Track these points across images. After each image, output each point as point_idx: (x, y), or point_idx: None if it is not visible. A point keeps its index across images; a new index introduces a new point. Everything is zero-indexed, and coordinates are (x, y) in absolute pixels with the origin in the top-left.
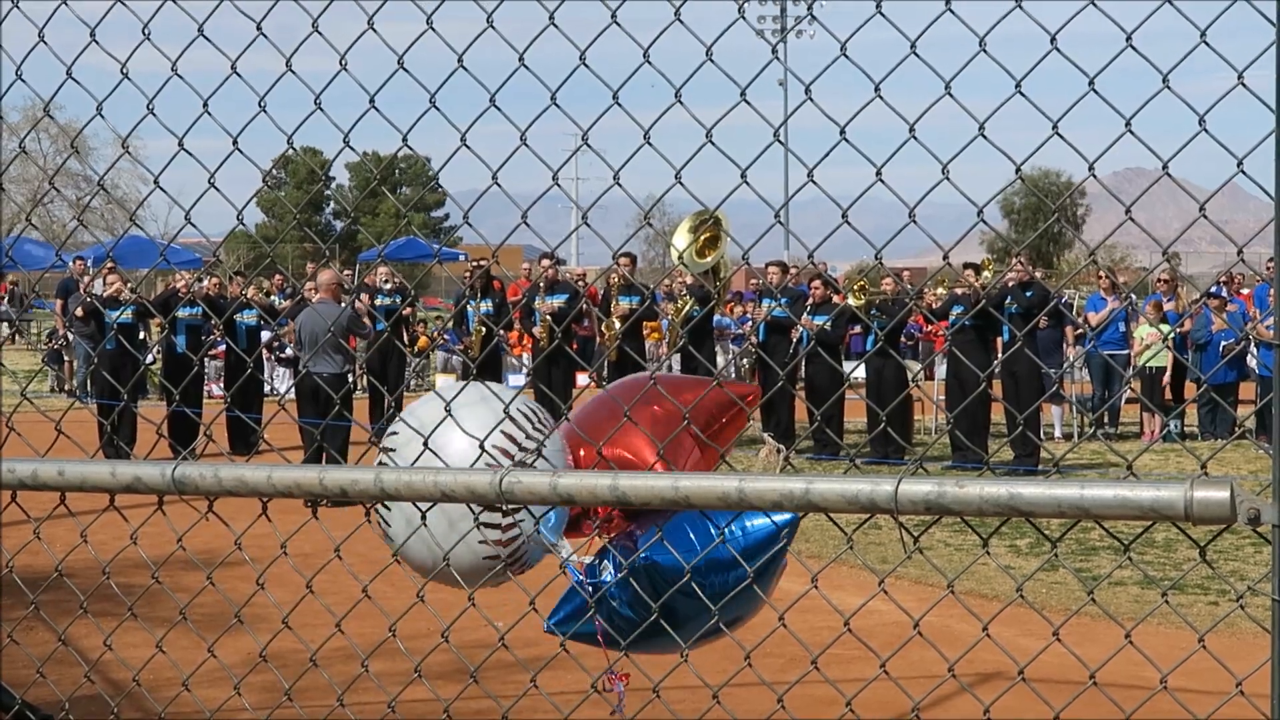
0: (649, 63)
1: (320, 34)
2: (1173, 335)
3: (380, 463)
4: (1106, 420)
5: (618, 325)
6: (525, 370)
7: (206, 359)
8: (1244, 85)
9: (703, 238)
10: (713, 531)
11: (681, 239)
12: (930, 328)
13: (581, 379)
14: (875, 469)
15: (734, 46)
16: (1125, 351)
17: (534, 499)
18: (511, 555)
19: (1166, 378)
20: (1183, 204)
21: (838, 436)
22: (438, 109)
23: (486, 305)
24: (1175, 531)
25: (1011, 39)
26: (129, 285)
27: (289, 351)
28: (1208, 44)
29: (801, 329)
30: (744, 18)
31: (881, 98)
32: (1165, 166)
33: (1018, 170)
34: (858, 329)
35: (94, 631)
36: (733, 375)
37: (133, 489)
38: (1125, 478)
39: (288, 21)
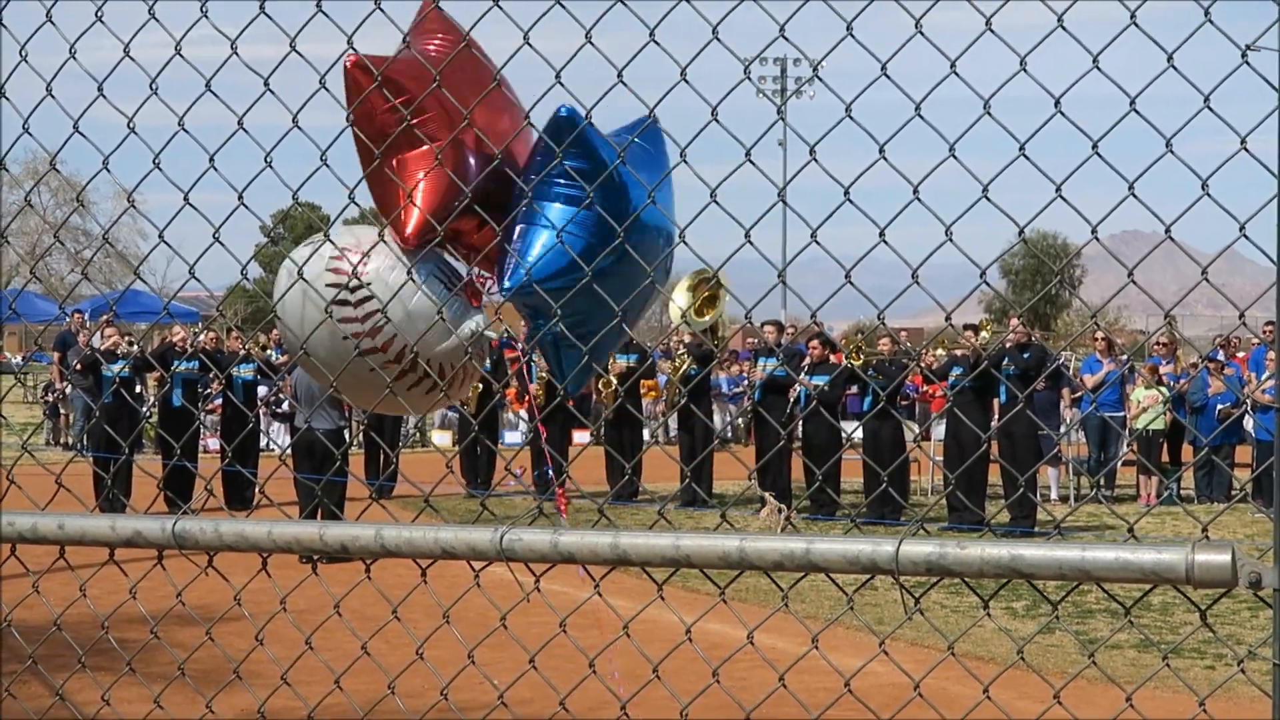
0: (656, 122)
1: (327, 89)
2: (1171, 397)
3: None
4: (1103, 482)
5: (615, 382)
6: (523, 426)
7: (201, 412)
8: (1246, 150)
9: (701, 296)
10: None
11: (681, 297)
12: (928, 388)
13: (580, 436)
14: (872, 529)
15: (734, 105)
16: (1121, 413)
17: (535, 557)
18: (374, 338)
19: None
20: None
21: (835, 496)
22: (444, 167)
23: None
24: (1172, 594)
25: (1013, 101)
26: (126, 338)
27: (285, 406)
28: (1211, 109)
29: (798, 387)
30: (749, 78)
31: (886, 160)
32: (1168, 230)
33: (1021, 232)
34: (854, 389)
35: (91, 686)
36: (729, 435)
37: (133, 543)
38: (1126, 540)
39: (291, 80)
